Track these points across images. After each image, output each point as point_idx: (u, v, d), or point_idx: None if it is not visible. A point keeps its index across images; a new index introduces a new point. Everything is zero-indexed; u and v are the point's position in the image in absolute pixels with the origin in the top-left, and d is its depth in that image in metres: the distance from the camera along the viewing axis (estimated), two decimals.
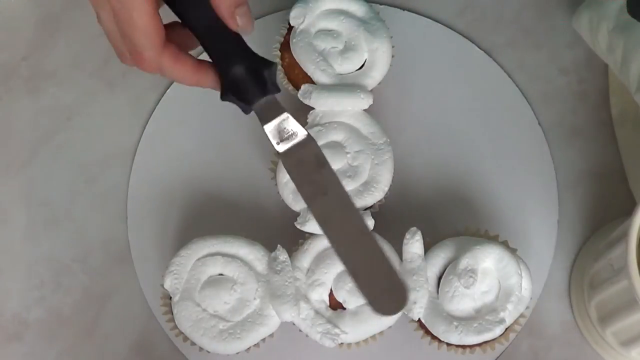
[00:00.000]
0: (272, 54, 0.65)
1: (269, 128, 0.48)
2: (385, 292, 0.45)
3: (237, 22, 0.48)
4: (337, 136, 0.61)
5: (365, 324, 0.57)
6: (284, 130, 0.48)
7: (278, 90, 0.48)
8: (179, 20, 0.50)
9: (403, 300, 0.45)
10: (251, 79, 0.48)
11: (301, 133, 0.47)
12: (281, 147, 0.48)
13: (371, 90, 0.62)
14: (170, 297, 0.58)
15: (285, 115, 0.48)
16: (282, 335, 0.60)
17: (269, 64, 0.48)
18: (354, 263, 0.46)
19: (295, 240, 0.60)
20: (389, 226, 0.60)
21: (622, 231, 0.54)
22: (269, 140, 0.48)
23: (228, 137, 0.68)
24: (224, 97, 0.49)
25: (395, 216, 0.64)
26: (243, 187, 0.66)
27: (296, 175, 0.47)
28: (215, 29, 0.49)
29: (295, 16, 0.63)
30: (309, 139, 0.48)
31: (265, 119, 0.48)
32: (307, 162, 0.47)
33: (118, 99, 0.69)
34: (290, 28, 0.64)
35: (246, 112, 0.48)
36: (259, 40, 0.69)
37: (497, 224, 0.65)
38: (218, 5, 0.48)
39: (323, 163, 0.47)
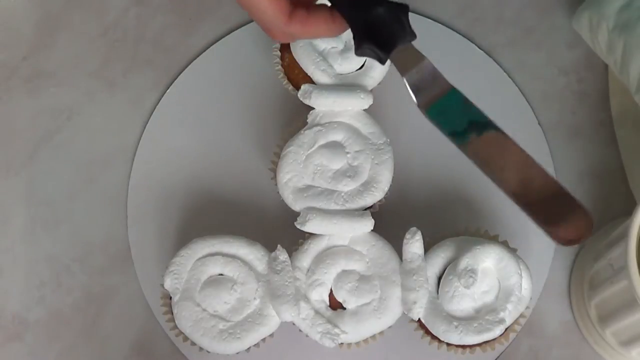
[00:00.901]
0: (272, 53, 0.65)
1: (410, 77, 0.46)
2: (565, 218, 0.44)
3: None
4: (337, 136, 0.61)
5: (365, 324, 0.57)
6: (424, 79, 0.46)
7: (415, 36, 0.46)
8: None
9: (588, 226, 0.43)
10: (390, 23, 0.45)
11: (444, 83, 0.46)
12: (420, 99, 0.46)
13: (371, 90, 0.62)
14: (170, 297, 0.58)
15: (427, 61, 0.46)
16: (282, 335, 0.60)
17: (405, 8, 0.46)
18: (524, 191, 0.44)
19: (295, 240, 0.60)
20: (389, 226, 0.60)
21: (622, 231, 0.54)
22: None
23: (228, 137, 0.68)
24: (360, 48, 0.46)
25: (395, 216, 0.64)
26: (243, 187, 0.66)
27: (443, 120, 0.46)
28: None
29: None
30: (449, 85, 0.46)
31: (405, 67, 0.46)
32: (451, 108, 0.46)
33: (118, 99, 0.69)
34: None
35: (382, 61, 0.46)
36: (259, 40, 0.69)
37: (497, 224, 0.65)
38: None
39: (465, 101, 0.46)
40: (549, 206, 0.44)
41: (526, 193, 0.44)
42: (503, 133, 0.45)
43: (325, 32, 0.49)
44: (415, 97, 0.46)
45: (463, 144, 0.46)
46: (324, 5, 0.48)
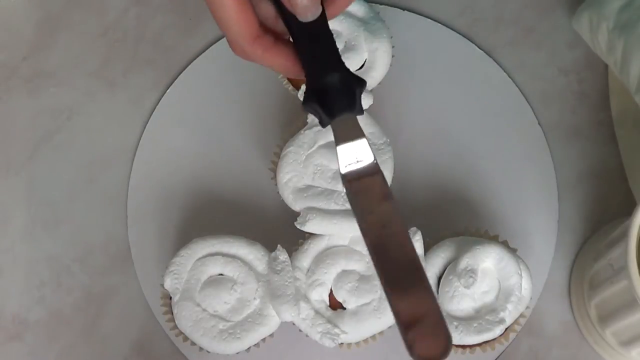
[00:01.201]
0: None
1: (343, 149, 0.45)
2: (427, 336, 0.44)
3: (293, 5, 0.46)
4: None
5: (365, 324, 0.57)
6: (356, 154, 0.45)
7: (362, 113, 0.46)
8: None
9: (445, 348, 0.42)
10: (342, 91, 0.45)
11: (370, 160, 0.45)
12: (346, 170, 0.45)
13: (371, 90, 0.62)
14: (170, 297, 0.58)
15: (363, 140, 0.45)
16: (282, 335, 0.60)
17: (361, 82, 0.46)
18: (399, 301, 0.43)
19: (295, 240, 0.60)
20: None
21: (622, 231, 0.54)
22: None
23: (228, 137, 0.68)
24: (306, 103, 0.46)
25: None
26: (243, 187, 0.66)
27: (358, 203, 0.45)
28: (311, 29, 0.46)
29: None
30: (377, 169, 0.45)
31: (341, 138, 0.45)
32: (372, 191, 0.45)
33: (118, 99, 0.69)
34: None
35: (324, 124, 0.46)
36: None
37: (497, 224, 0.65)
38: None
39: (388, 196, 0.45)
40: (399, 273, 0.43)
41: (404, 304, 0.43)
42: (408, 235, 0.44)
43: (283, 68, 0.48)
44: (342, 168, 0.45)
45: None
46: (290, 46, 0.48)
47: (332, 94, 0.45)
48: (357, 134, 0.45)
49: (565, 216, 0.66)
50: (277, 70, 0.49)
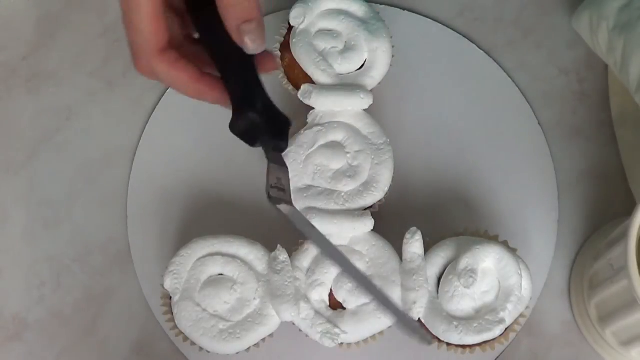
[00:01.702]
0: (272, 53, 0.65)
1: (272, 167, 0.48)
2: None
3: (244, 39, 0.46)
4: (337, 136, 0.61)
5: (365, 324, 0.57)
6: (276, 184, 0.48)
7: (284, 149, 0.48)
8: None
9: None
10: (264, 130, 0.47)
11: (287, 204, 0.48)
12: (272, 191, 0.48)
13: (371, 90, 0.62)
14: (170, 297, 0.58)
15: (285, 173, 0.48)
16: (282, 335, 0.60)
17: (285, 122, 0.48)
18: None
19: (295, 240, 0.60)
20: (389, 226, 0.60)
21: (622, 231, 0.54)
22: None
23: (228, 137, 0.67)
24: (232, 129, 0.47)
25: (395, 216, 0.64)
26: (243, 187, 0.66)
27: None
28: (235, 58, 0.47)
29: (295, 16, 0.63)
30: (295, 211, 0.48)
31: (270, 158, 0.48)
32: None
33: (118, 99, 0.69)
34: (290, 28, 0.64)
35: (250, 144, 0.48)
36: None
37: (497, 224, 0.65)
38: (225, 18, 0.47)
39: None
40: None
41: None
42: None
43: (185, 87, 0.48)
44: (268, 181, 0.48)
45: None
46: (195, 67, 0.48)
47: (253, 131, 0.47)
48: (282, 164, 0.49)
49: (565, 216, 0.66)
50: (179, 89, 0.49)
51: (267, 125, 0.47)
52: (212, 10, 0.47)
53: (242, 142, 0.48)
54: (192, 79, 0.48)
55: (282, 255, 0.58)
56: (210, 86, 0.48)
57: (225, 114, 0.69)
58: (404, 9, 0.70)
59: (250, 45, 0.47)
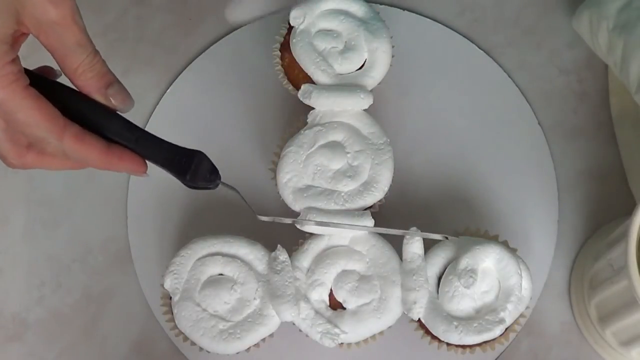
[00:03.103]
0: (272, 53, 0.65)
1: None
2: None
3: (112, 102, 0.48)
4: (337, 136, 0.61)
5: (365, 324, 0.57)
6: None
7: (209, 180, 0.51)
8: None
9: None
10: (176, 173, 0.50)
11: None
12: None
13: (371, 90, 0.62)
14: (170, 297, 0.58)
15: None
16: (282, 335, 0.60)
17: (189, 155, 0.50)
18: None
19: (295, 240, 0.60)
20: (389, 226, 0.60)
21: (622, 231, 0.54)
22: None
23: (228, 137, 0.68)
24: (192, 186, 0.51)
25: (395, 216, 0.64)
26: (243, 187, 0.66)
27: None
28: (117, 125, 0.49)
29: (295, 16, 0.63)
30: None
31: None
32: None
33: None
34: (290, 28, 0.64)
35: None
36: (259, 40, 0.69)
37: (497, 224, 0.65)
38: (88, 92, 0.48)
39: None
40: None
41: None
42: None
43: (100, 160, 0.48)
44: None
45: None
46: (101, 139, 0.49)
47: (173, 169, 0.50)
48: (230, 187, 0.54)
49: (565, 216, 0.66)
50: (89, 164, 0.49)
51: (179, 169, 0.50)
52: (75, 93, 0.48)
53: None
54: (101, 152, 0.48)
55: (282, 255, 0.58)
56: (119, 156, 0.49)
57: (226, 114, 0.69)
58: (404, 9, 0.70)
59: (123, 105, 0.49)
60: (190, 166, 0.50)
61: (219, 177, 0.51)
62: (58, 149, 0.48)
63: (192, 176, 0.50)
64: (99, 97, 0.48)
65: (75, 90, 0.48)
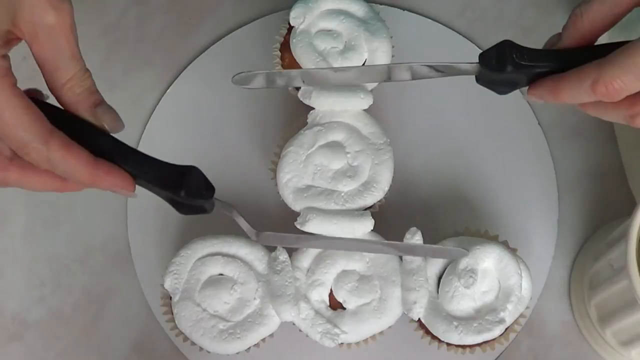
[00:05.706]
0: (272, 53, 0.65)
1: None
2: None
3: (101, 122, 0.46)
4: (337, 136, 0.61)
5: (365, 324, 0.57)
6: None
7: (200, 197, 0.49)
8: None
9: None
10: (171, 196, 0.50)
11: None
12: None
13: (371, 90, 0.62)
14: (170, 297, 0.58)
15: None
16: (282, 335, 0.60)
17: (183, 171, 0.49)
18: None
19: None
20: (389, 226, 0.60)
21: (622, 231, 0.54)
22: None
23: (228, 137, 0.68)
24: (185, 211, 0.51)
25: (395, 216, 0.64)
26: (243, 187, 0.66)
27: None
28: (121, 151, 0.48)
29: (295, 16, 0.62)
30: None
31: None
32: None
33: (118, 98, 0.68)
34: (290, 28, 0.64)
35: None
36: (259, 40, 0.69)
37: (497, 224, 0.65)
38: (76, 109, 0.46)
39: None
40: None
41: None
42: None
43: (85, 174, 0.46)
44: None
45: None
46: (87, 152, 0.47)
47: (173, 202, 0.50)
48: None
49: (565, 216, 0.66)
50: (73, 178, 0.46)
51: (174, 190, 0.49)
52: (63, 112, 0.47)
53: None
54: (88, 164, 0.46)
55: (282, 255, 0.58)
56: (106, 171, 0.47)
57: (226, 114, 0.69)
58: (404, 9, 0.70)
59: (113, 123, 0.47)
60: (184, 182, 0.48)
61: (213, 192, 0.50)
62: (43, 156, 0.45)
63: (186, 192, 0.48)
64: (87, 115, 0.46)
65: (63, 109, 0.47)
